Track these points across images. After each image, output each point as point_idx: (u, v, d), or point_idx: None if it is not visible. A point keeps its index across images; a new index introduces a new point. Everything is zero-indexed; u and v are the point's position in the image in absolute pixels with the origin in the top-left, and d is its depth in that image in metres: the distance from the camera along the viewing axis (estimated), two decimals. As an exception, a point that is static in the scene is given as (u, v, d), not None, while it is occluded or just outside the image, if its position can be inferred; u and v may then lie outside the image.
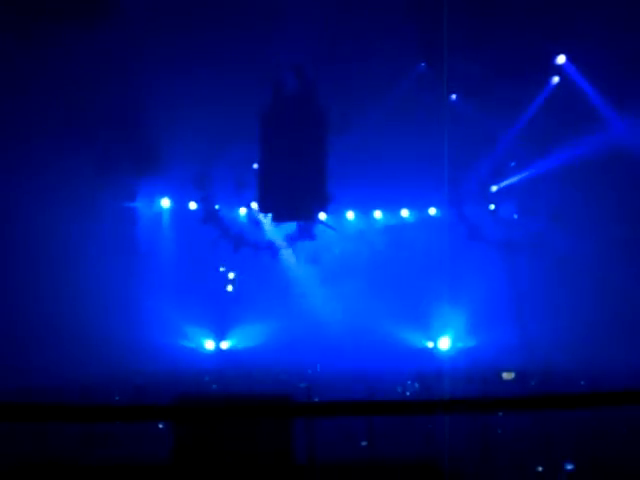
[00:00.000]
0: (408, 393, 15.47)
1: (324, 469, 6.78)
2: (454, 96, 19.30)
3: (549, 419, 9.95)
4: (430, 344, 20.35)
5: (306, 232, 19.88)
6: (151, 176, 19.39)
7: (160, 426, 7.83)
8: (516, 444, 9.99)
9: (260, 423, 5.05)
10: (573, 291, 18.91)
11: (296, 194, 17.86)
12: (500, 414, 10.09)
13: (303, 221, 19.50)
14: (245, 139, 18.58)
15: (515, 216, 20.42)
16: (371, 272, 21.86)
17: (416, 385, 15.57)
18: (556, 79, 19.30)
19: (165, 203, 21.30)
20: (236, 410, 4.83)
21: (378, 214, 21.75)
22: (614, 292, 18.37)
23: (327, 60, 17.07)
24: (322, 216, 19.16)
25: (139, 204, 20.88)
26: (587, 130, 18.55)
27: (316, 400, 13.09)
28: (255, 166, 19.34)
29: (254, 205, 19.88)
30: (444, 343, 20.24)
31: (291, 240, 20.08)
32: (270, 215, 19.09)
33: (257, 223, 20.07)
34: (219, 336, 20.74)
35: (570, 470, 9.15)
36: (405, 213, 21.58)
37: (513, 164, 20.19)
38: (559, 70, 19.11)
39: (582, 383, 13.97)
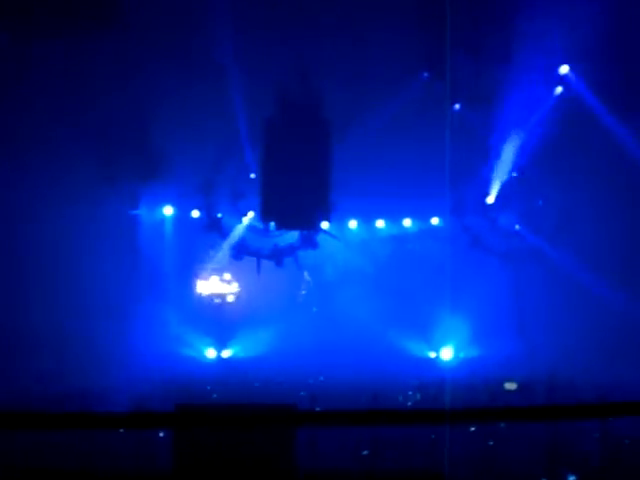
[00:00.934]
0: (410, 403, 15.42)
1: (325, 478, 6.73)
2: (457, 106, 19.29)
3: (553, 429, 9.89)
4: (432, 354, 20.28)
5: (309, 241, 19.85)
6: (154, 184, 19.40)
7: (160, 434, 7.79)
8: (519, 454, 9.94)
9: (262, 433, 5.01)
10: (576, 301, 18.85)
11: (299, 203, 17.87)
12: (502, 425, 10.04)
13: (306, 230, 19.47)
14: (248, 147, 18.60)
15: (517, 227, 20.38)
16: (373, 281, 21.83)
17: (418, 395, 15.51)
18: (559, 89, 19.29)
19: (168, 211, 21.28)
20: (237, 419, 4.80)
21: (381, 223, 21.71)
22: (618, 303, 18.31)
23: (330, 68, 17.09)
24: (325, 225, 19.13)
25: (142, 212, 20.87)
26: (591, 140, 18.52)
27: (318, 409, 13.06)
28: (252, 176, 19.37)
29: (251, 214, 19.88)
30: (446, 353, 20.17)
31: (294, 249, 20.04)
32: (273, 223, 19.07)
33: (259, 231, 20.03)
34: (220, 344, 20.69)
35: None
36: (408, 223, 21.55)
37: (515, 174, 20.17)
38: (562, 80, 19.11)
39: (586, 394, 13.90)
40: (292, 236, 19.96)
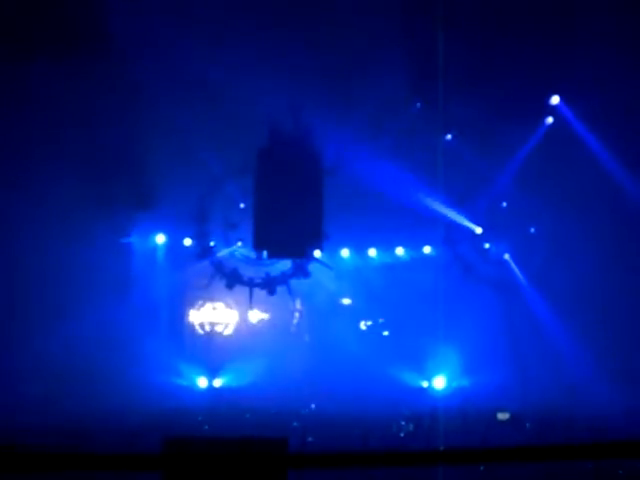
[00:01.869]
0: (402, 434, 15.34)
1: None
2: (449, 136, 19.41)
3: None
4: (425, 383, 20.22)
5: (301, 269, 19.83)
6: (146, 212, 19.40)
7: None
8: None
9: (253, 469, 4.98)
10: (570, 331, 18.85)
11: (291, 231, 17.89)
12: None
13: (298, 258, 19.46)
14: (241, 177, 18.65)
15: (507, 255, 20.43)
16: (366, 310, 21.81)
17: (411, 426, 15.44)
18: (550, 119, 19.44)
19: (160, 239, 21.25)
20: (227, 457, 4.78)
21: (373, 252, 21.73)
22: (613, 332, 18.31)
23: (322, 99, 17.18)
24: (317, 254, 19.14)
25: (134, 240, 20.84)
26: (581, 170, 18.63)
27: (310, 439, 13.00)
28: (242, 205, 19.41)
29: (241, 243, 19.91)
30: (439, 382, 20.11)
31: (286, 277, 20.02)
32: (265, 252, 19.05)
33: (252, 260, 20.00)
34: (212, 374, 20.59)
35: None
36: (400, 251, 21.57)
37: (505, 204, 20.26)
38: (553, 111, 19.26)
39: (579, 425, 13.86)
40: (284, 265, 19.94)
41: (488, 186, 19.94)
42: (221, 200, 19.82)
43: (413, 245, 21.31)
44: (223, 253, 20.36)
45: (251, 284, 20.04)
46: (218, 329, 21.56)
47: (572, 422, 14.51)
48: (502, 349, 19.62)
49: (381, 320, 21.76)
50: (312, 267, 19.76)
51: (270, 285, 19.97)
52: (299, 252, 18.88)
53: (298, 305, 21.62)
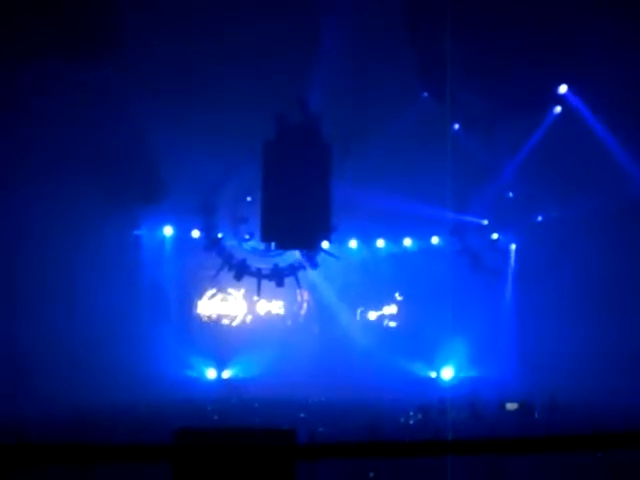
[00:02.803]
0: (412, 422, 15.36)
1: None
2: (457, 126, 19.35)
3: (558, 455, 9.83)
4: (433, 374, 20.24)
5: (309, 260, 19.84)
6: (155, 205, 19.43)
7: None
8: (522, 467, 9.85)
9: (260, 460, 5.01)
10: (577, 321, 18.81)
11: (299, 223, 17.88)
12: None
13: (306, 249, 19.46)
14: (249, 168, 18.65)
15: (513, 246, 20.41)
16: (373, 301, 21.84)
17: (419, 415, 15.45)
18: (558, 109, 19.35)
19: (168, 231, 21.31)
20: (238, 448, 4.80)
21: (381, 243, 21.74)
22: (620, 323, 18.26)
23: (330, 90, 17.15)
24: (325, 245, 19.14)
25: (143, 232, 20.90)
26: (589, 159, 18.54)
27: (320, 429, 13.01)
28: (249, 199, 19.42)
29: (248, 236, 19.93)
30: (447, 373, 20.14)
31: (294, 269, 20.04)
32: (273, 243, 19.05)
33: (260, 251, 20.00)
34: (221, 365, 20.66)
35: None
36: (408, 242, 21.58)
37: (511, 194, 20.21)
38: (561, 100, 19.16)
39: (585, 415, 13.83)
40: (292, 256, 19.95)
41: (496, 176, 19.89)
42: (230, 192, 19.82)
43: (421, 236, 21.31)
44: (232, 244, 20.38)
45: (259, 275, 20.06)
46: (226, 321, 21.63)
47: (579, 413, 14.50)
48: (510, 340, 19.61)
49: (389, 311, 21.80)
50: (320, 258, 19.76)
51: (278, 276, 19.98)
52: (307, 243, 18.88)
53: (306, 296, 21.66)
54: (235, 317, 21.78)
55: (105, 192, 18.21)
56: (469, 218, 20.25)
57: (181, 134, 17.86)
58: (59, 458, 4.16)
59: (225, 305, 21.83)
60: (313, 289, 21.29)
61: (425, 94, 18.76)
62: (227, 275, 20.40)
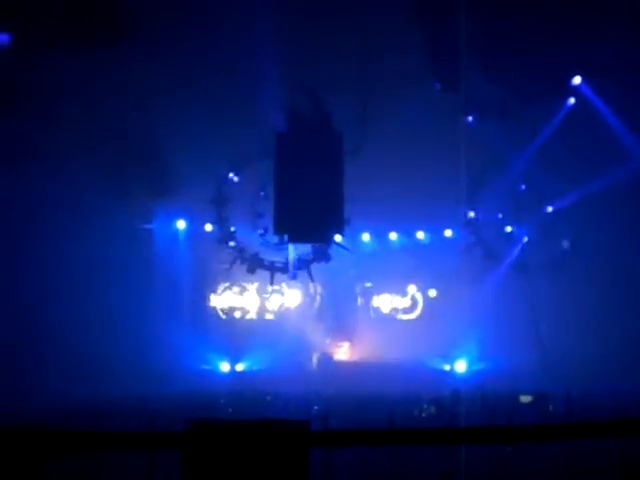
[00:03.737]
0: (424, 415, 15.33)
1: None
2: (470, 118, 19.26)
3: (574, 447, 9.76)
4: (447, 367, 20.19)
5: (321, 254, 19.81)
6: (167, 198, 19.45)
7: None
8: (542, 474, 9.81)
9: (274, 451, 4.98)
10: (593, 313, 18.72)
11: (312, 216, 17.83)
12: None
13: (319, 243, 19.42)
14: (261, 161, 18.63)
15: (525, 238, 20.32)
16: (386, 294, 21.80)
17: (433, 408, 15.41)
18: (572, 100, 19.24)
19: (181, 225, 21.34)
20: (251, 436, 4.78)
21: (394, 236, 21.70)
22: (637, 314, 18.16)
23: (342, 82, 17.10)
24: (338, 238, 19.10)
25: (155, 226, 20.93)
26: (604, 152, 18.43)
27: (334, 422, 12.99)
28: (262, 193, 19.41)
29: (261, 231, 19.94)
30: (461, 366, 20.08)
31: (307, 262, 20.01)
32: (286, 236, 19.02)
33: (273, 245, 19.98)
34: (234, 358, 20.68)
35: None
36: (421, 235, 21.52)
37: (524, 187, 20.12)
38: (575, 91, 19.05)
39: (603, 407, 13.74)
40: (305, 249, 19.92)
41: (509, 168, 19.80)
42: (243, 184, 19.81)
43: (434, 229, 21.25)
44: (245, 238, 20.37)
45: (272, 269, 20.05)
46: (239, 314, 21.64)
47: (595, 404, 14.40)
48: (524, 332, 19.53)
49: (402, 304, 21.76)
50: (332, 251, 19.72)
51: (291, 269, 19.96)
52: (320, 237, 18.82)
53: (319, 289, 21.64)
54: (248, 310, 21.79)
55: (116, 185, 18.24)
56: (482, 211, 20.18)
57: (195, 125, 17.87)
58: (73, 445, 4.16)
59: (238, 298, 21.85)
60: (326, 282, 21.27)
61: (438, 85, 18.66)
62: (240, 268, 20.42)
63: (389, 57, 17.09)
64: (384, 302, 21.89)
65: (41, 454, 4.11)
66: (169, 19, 16.51)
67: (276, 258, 20.02)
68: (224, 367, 20.62)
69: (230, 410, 15.13)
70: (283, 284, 21.08)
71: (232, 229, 20.23)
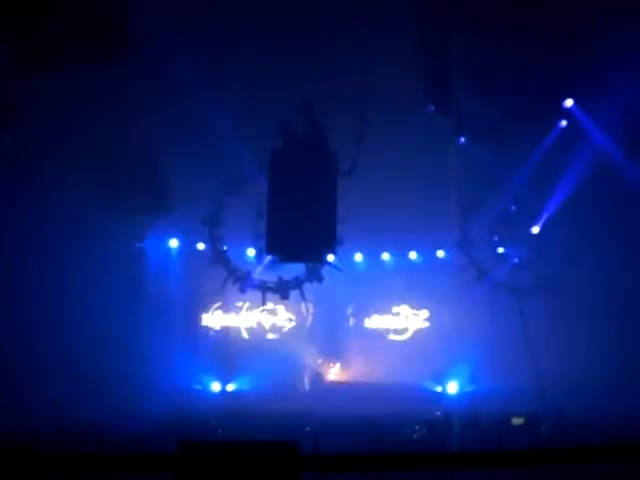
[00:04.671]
0: (415, 436, 15.27)
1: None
2: (463, 139, 19.34)
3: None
4: (439, 388, 20.14)
5: (314, 274, 19.78)
6: (160, 216, 19.43)
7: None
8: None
9: (266, 473, 4.95)
10: (586, 334, 18.73)
11: (305, 235, 17.79)
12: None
13: (311, 262, 19.39)
14: (254, 181, 18.63)
15: (516, 260, 20.36)
16: (378, 314, 21.78)
17: (424, 430, 15.35)
18: (564, 122, 19.34)
19: (173, 243, 21.32)
20: (238, 459, 4.75)
21: (386, 256, 21.71)
22: (628, 336, 18.17)
23: (335, 103, 17.14)
24: (330, 258, 19.07)
25: (148, 244, 20.90)
26: (595, 173, 18.52)
27: (325, 443, 12.90)
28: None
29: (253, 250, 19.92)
30: (452, 387, 20.03)
31: (299, 281, 19.97)
32: (278, 256, 18.98)
33: (265, 264, 19.96)
34: (225, 378, 20.59)
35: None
36: (413, 255, 21.54)
37: (514, 208, 20.19)
38: (567, 114, 19.15)
39: (594, 430, 13.71)
40: (298, 268, 19.89)
41: (502, 189, 19.86)
42: (237, 204, 19.78)
43: (426, 249, 21.27)
44: (237, 257, 20.32)
45: (264, 288, 20.00)
46: (231, 333, 21.58)
47: (586, 426, 14.37)
48: (516, 353, 19.50)
49: (395, 325, 21.74)
50: (325, 271, 19.69)
51: (283, 289, 19.91)
52: (312, 257, 18.75)
53: (311, 309, 21.61)
54: (240, 330, 21.73)
55: (110, 202, 18.21)
56: (475, 232, 20.22)
57: (188, 144, 17.89)
58: (62, 467, 4.12)
59: (230, 318, 21.80)
60: (318, 302, 21.24)
61: (431, 107, 18.74)
62: (232, 288, 20.37)
63: (384, 79, 17.15)
64: (376, 322, 21.87)
65: (28, 476, 4.07)
66: (167, 38, 16.56)
67: (268, 278, 19.97)
68: (215, 387, 20.53)
69: (220, 431, 15.05)
70: (275, 304, 21.02)
71: (224, 248, 20.20)
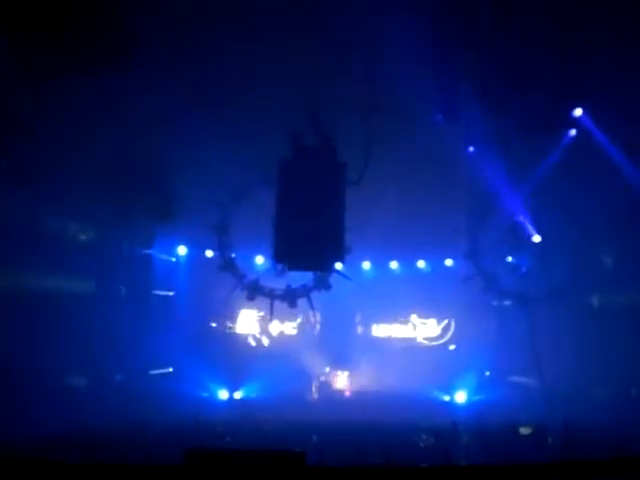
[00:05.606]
0: (422, 445, 15.26)
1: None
2: (471, 148, 19.34)
3: None
4: (446, 397, 20.10)
5: (322, 282, 19.77)
6: (168, 224, 19.45)
7: None
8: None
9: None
10: (593, 343, 18.65)
11: (313, 244, 17.80)
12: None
13: (319, 271, 19.39)
14: (262, 188, 18.65)
15: (524, 269, 20.30)
16: (386, 323, 21.78)
17: (432, 439, 15.33)
18: (573, 132, 19.32)
19: (182, 251, 21.36)
20: (246, 469, 4.76)
21: (394, 265, 21.70)
22: (636, 345, 18.08)
23: (344, 112, 17.17)
24: (338, 266, 19.07)
25: (156, 251, 20.94)
26: (605, 183, 18.48)
27: (332, 452, 12.91)
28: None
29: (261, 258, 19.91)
30: (460, 396, 19.99)
31: (307, 290, 19.97)
32: (286, 264, 18.98)
33: (273, 272, 19.95)
34: (233, 386, 20.60)
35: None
36: (421, 264, 21.53)
37: (522, 218, 20.15)
38: (576, 123, 19.12)
39: (602, 440, 13.67)
40: (305, 276, 19.89)
41: (510, 199, 19.83)
42: (245, 211, 19.79)
43: (435, 258, 21.26)
44: (245, 265, 20.33)
45: (272, 296, 20.00)
46: (239, 341, 21.59)
47: (595, 438, 14.32)
48: (524, 363, 19.44)
49: (403, 334, 21.73)
50: (333, 279, 19.69)
51: (291, 297, 19.92)
52: (321, 265, 18.75)
53: (319, 317, 21.61)
54: (248, 338, 21.73)
55: (118, 210, 18.26)
56: (483, 241, 20.18)
57: (196, 151, 17.93)
58: (69, 477, 4.13)
59: (238, 325, 21.81)
60: (326, 310, 21.24)
61: (439, 117, 18.74)
62: (240, 295, 20.38)
63: (391, 88, 17.17)
64: (384, 331, 21.87)
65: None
66: (173, 46, 16.62)
67: (276, 285, 19.97)
68: (223, 395, 20.53)
69: (228, 439, 15.06)
70: (282, 312, 21.02)
71: (233, 255, 20.22)
